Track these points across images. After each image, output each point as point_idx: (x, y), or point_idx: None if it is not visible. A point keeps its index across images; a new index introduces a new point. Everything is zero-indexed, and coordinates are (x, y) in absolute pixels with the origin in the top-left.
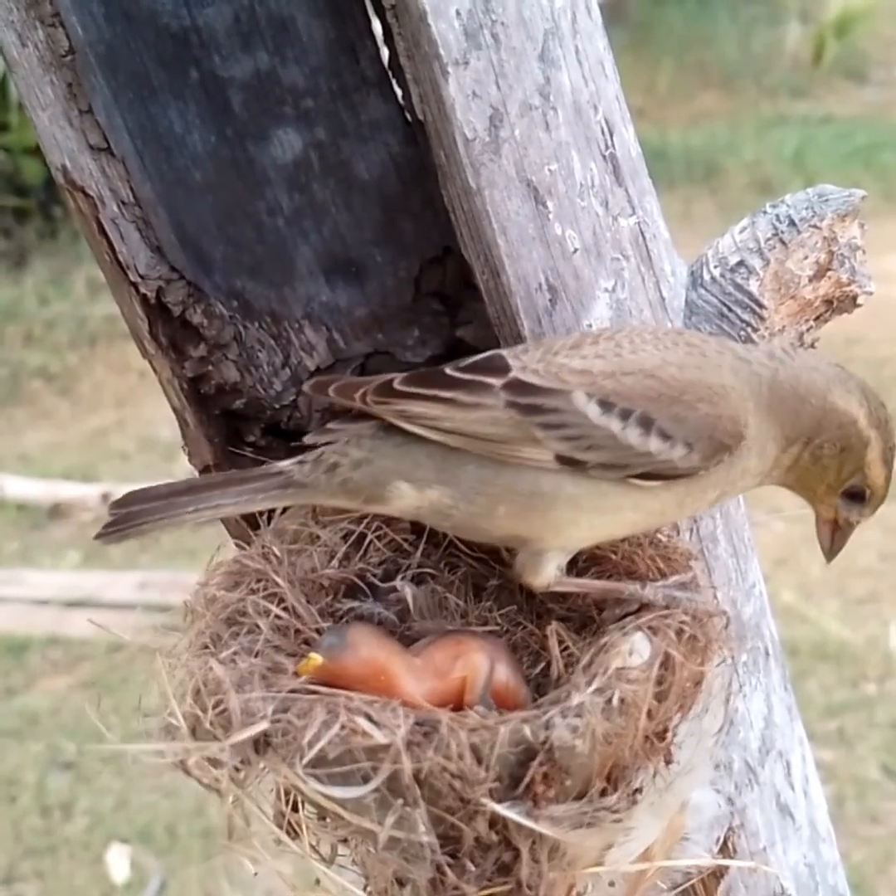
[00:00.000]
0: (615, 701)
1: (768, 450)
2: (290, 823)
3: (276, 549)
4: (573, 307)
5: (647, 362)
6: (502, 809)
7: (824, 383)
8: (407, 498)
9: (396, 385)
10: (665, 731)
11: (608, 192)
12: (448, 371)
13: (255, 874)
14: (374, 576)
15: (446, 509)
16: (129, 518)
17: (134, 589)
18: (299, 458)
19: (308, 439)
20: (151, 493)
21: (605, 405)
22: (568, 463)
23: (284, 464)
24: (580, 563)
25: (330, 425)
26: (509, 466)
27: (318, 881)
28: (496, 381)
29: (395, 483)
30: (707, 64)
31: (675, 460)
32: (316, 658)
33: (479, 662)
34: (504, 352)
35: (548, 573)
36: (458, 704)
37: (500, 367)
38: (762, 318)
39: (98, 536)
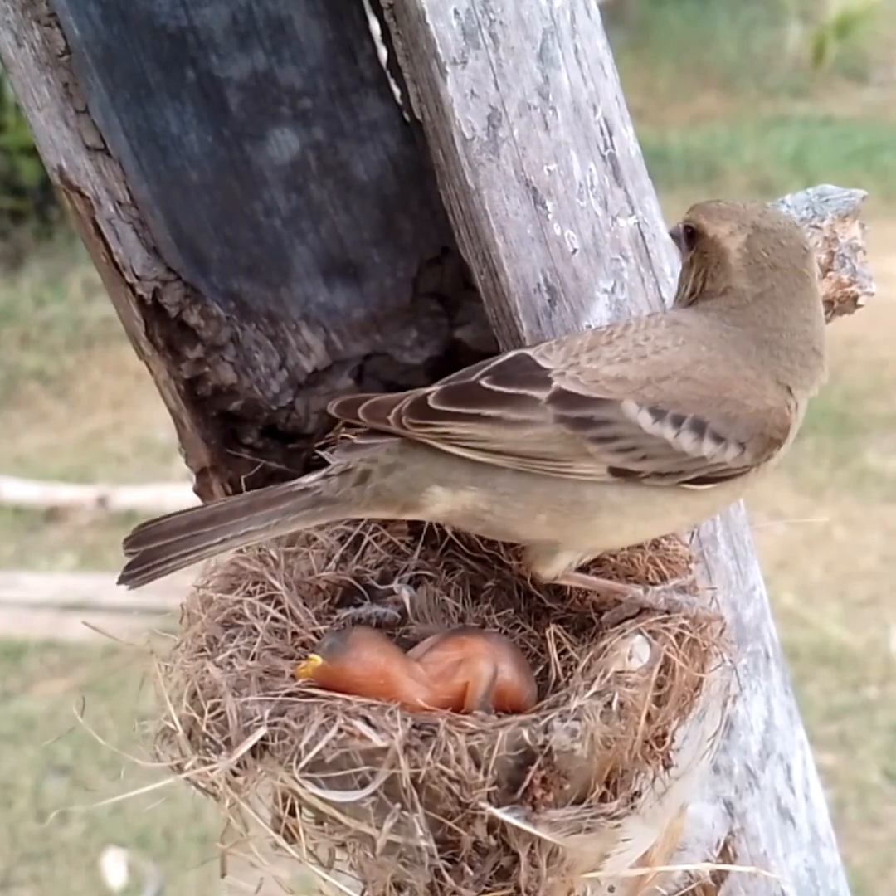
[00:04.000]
0: (614, 705)
1: (802, 404)
2: (287, 828)
3: (272, 552)
4: (572, 308)
5: (677, 362)
6: (501, 814)
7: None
8: (442, 502)
9: (432, 404)
10: (664, 735)
11: (607, 192)
12: (485, 384)
13: (223, 875)
14: (372, 578)
15: (480, 514)
16: (151, 556)
17: (131, 592)
18: (323, 472)
19: (334, 458)
20: (170, 525)
21: (657, 413)
22: (621, 474)
23: (309, 480)
24: (580, 567)
25: (356, 441)
26: (551, 475)
27: (320, 892)
28: (541, 395)
29: (429, 488)
30: (707, 64)
31: (728, 462)
32: (316, 659)
33: (483, 669)
34: (530, 352)
35: (558, 567)
36: (457, 708)
37: (541, 378)
38: None
39: (121, 580)
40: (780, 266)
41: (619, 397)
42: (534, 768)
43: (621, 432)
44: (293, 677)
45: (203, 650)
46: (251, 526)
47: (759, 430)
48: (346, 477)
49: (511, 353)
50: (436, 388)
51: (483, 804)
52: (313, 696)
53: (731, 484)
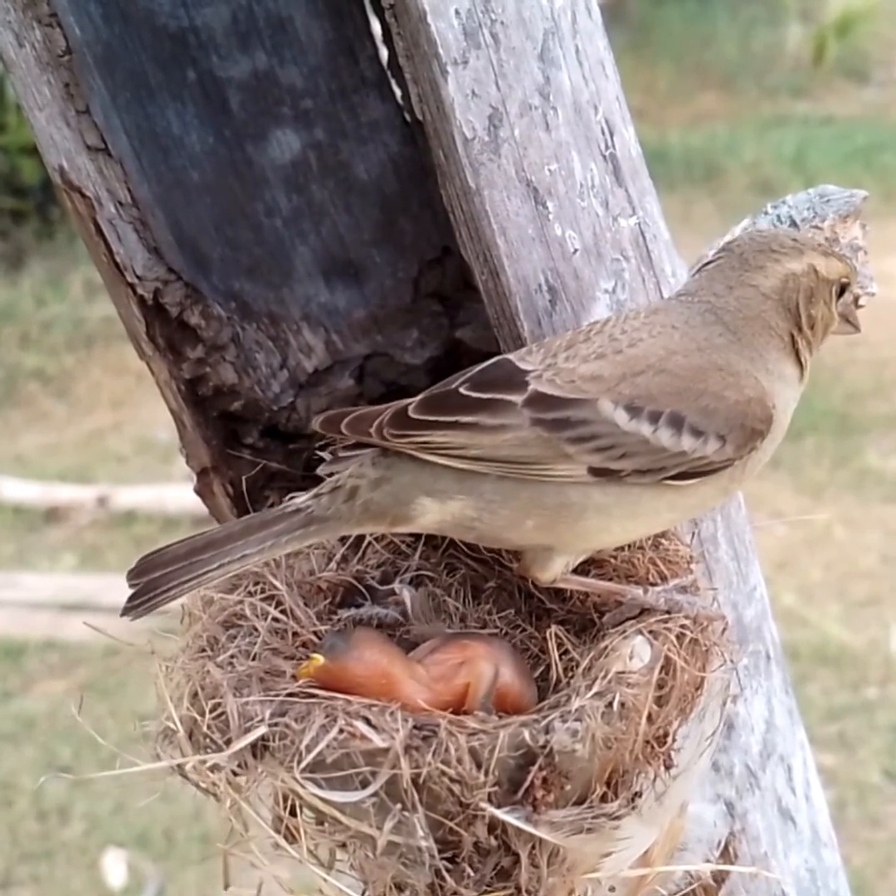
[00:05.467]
0: (615, 705)
1: (788, 373)
2: (288, 828)
3: None
4: (573, 308)
5: (652, 355)
6: (501, 814)
7: (750, 289)
8: (431, 513)
9: (412, 414)
10: (665, 735)
11: (608, 192)
12: (463, 391)
13: (226, 887)
14: (373, 578)
15: (469, 522)
16: (152, 586)
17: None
18: (314, 491)
19: (321, 470)
20: (169, 555)
21: (633, 410)
22: (602, 474)
23: (300, 500)
24: (580, 568)
25: (341, 454)
26: (533, 478)
27: (320, 892)
28: (517, 398)
29: (418, 499)
30: (707, 64)
31: (709, 456)
32: (318, 659)
33: (484, 670)
34: (511, 356)
35: (555, 569)
36: (458, 709)
37: (517, 381)
38: None
39: (124, 612)
40: None
41: (594, 396)
42: (535, 769)
43: (598, 431)
44: (294, 677)
45: (204, 650)
46: (247, 549)
47: (739, 422)
48: (335, 494)
49: (495, 360)
50: (417, 398)
51: (484, 805)
52: (314, 696)
53: (715, 478)
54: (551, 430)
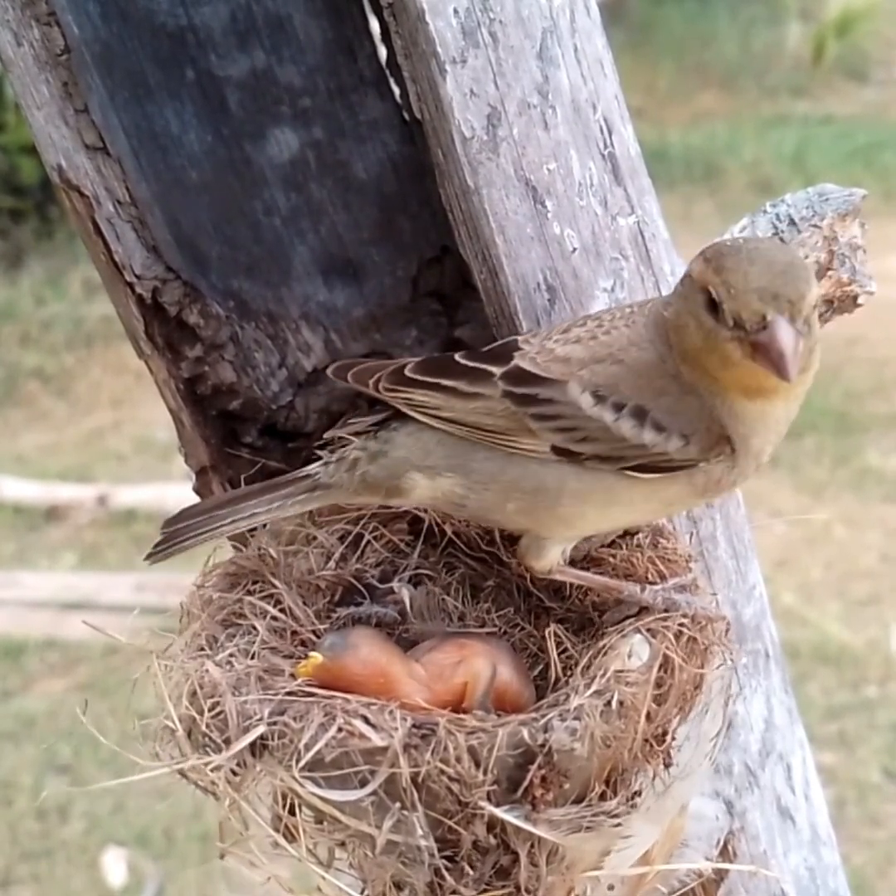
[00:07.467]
0: (614, 703)
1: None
2: (287, 827)
3: (272, 551)
4: (572, 307)
5: (615, 344)
6: (500, 813)
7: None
8: (421, 487)
9: (408, 372)
10: (664, 734)
11: (607, 191)
12: (458, 358)
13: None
14: (372, 577)
15: (459, 499)
16: (173, 536)
17: (131, 591)
18: (324, 459)
19: (329, 434)
20: (195, 509)
21: (598, 397)
22: (564, 454)
23: (311, 467)
24: (579, 565)
25: (350, 420)
26: (514, 459)
27: (319, 889)
28: (497, 370)
29: (408, 473)
30: (707, 64)
31: (670, 452)
32: (317, 657)
33: (482, 668)
34: (519, 337)
35: (551, 557)
36: (456, 708)
37: (506, 355)
38: None
39: (147, 557)
40: None
41: (564, 378)
42: (534, 767)
43: (562, 412)
44: (293, 676)
45: (203, 649)
46: (257, 508)
47: (704, 425)
48: (340, 464)
49: (507, 340)
50: (418, 358)
51: (483, 803)
52: (313, 695)
53: (687, 476)
54: (518, 404)
